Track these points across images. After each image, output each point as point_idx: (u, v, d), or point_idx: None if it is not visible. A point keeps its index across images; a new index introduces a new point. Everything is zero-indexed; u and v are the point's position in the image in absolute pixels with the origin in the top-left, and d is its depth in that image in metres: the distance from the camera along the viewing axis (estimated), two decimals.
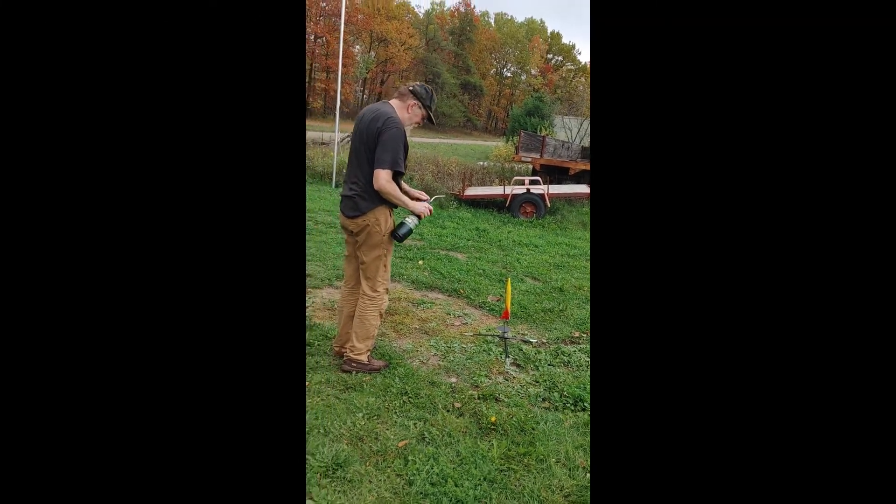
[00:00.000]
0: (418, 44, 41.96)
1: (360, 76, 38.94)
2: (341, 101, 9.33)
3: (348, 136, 13.61)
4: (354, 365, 2.36)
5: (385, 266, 2.34)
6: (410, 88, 2.34)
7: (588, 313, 3.50)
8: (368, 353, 2.40)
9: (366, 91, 43.17)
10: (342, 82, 9.02)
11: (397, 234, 2.31)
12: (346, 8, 8.76)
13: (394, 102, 2.32)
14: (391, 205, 2.28)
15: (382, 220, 2.26)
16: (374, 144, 2.16)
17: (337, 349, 2.50)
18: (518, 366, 2.65)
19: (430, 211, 2.40)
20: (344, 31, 9.11)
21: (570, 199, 8.31)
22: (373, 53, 41.22)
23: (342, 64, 9.42)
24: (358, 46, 40.40)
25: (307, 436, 1.84)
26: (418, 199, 2.37)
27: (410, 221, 2.35)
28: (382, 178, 2.15)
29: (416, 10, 46.73)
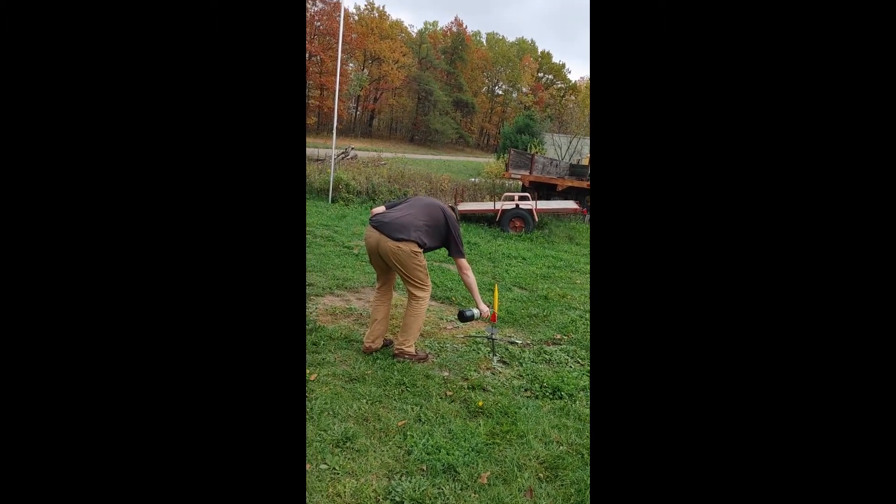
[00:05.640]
0: (411, 62, 42.79)
1: (354, 93, 39.59)
2: (335, 117, 9.68)
3: (343, 152, 13.95)
4: (407, 356, 2.81)
5: (426, 270, 2.83)
6: None
7: (569, 318, 3.80)
8: (415, 346, 2.89)
9: (359, 108, 43.82)
10: (337, 99, 9.38)
11: (464, 315, 2.99)
12: (341, 27, 9.16)
13: None
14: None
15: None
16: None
17: (368, 344, 2.89)
18: (504, 363, 2.95)
19: (486, 315, 3.03)
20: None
21: (557, 215, 8.68)
22: (366, 71, 41.94)
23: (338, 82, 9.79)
24: (352, 65, 41.12)
25: (318, 417, 2.12)
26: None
27: (477, 313, 3.02)
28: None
29: (409, 29, 47.68)
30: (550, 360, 3.02)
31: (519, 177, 9.85)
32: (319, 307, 3.63)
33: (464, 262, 2.93)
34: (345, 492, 1.70)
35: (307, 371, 2.54)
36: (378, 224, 2.75)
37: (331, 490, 1.71)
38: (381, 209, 2.93)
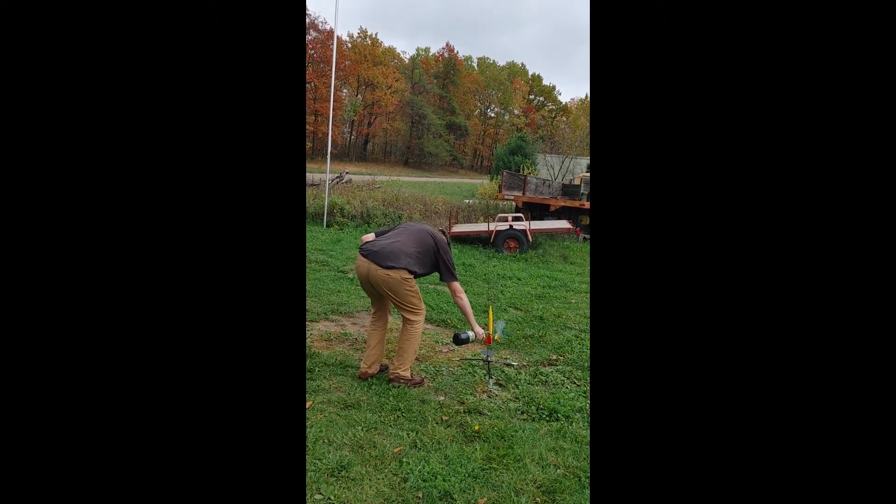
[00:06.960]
0: (404, 87, 43.45)
1: (348, 118, 40.06)
2: (330, 142, 9.79)
3: (337, 176, 14.05)
4: (402, 381, 2.79)
5: (418, 295, 2.84)
6: None
7: (565, 338, 3.80)
8: (410, 370, 2.87)
9: (353, 133, 44.26)
10: (331, 124, 9.51)
11: (459, 338, 2.97)
12: (334, 55, 9.33)
13: None
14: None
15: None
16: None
17: (364, 370, 2.88)
18: (500, 385, 2.93)
19: (482, 337, 3.04)
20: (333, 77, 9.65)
21: (551, 234, 8.73)
22: (360, 97, 42.54)
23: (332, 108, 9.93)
24: (345, 90, 41.71)
25: (314, 445, 2.10)
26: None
27: (472, 335, 3.00)
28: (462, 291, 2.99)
29: (401, 55, 48.57)
30: (547, 381, 3.01)
31: (512, 197, 9.93)
32: (314, 333, 3.62)
33: (456, 285, 2.95)
34: None
35: None
36: (367, 253, 2.78)
37: None
38: (370, 237, 2.96)
